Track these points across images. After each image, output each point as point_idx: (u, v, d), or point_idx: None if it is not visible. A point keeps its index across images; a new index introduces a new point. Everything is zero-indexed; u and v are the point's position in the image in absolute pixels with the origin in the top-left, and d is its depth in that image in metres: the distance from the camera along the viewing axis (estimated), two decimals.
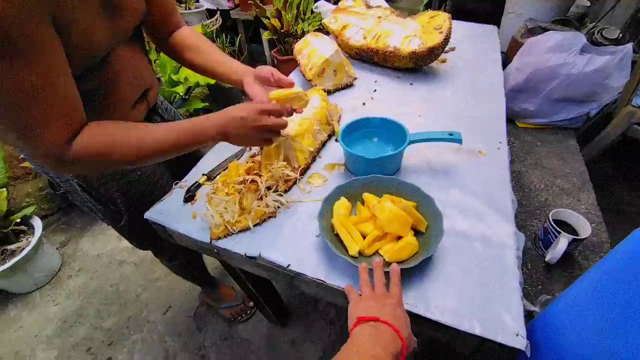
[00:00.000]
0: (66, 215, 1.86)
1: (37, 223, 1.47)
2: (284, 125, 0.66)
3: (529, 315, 0.68)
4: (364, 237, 0.62)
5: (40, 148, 0.50)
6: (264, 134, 0.64)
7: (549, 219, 0.77)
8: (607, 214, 0.90)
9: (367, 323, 0.43)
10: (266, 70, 0.74)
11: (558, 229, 0.74)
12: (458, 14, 3.10)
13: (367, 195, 0.68)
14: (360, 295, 0.50)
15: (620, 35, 1.65)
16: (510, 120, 1.32)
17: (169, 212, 0.73)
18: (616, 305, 0.37)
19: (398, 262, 0.56)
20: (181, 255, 1.02)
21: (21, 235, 1.45)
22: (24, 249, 1.37)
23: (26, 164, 1.55)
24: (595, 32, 1.69)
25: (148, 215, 0.73)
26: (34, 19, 0.42)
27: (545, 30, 1.30)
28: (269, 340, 1.24)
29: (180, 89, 1.74)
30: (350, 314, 0.47)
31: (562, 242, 0.72)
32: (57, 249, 1.65)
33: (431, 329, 0.53)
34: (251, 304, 1.33)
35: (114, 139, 0.55)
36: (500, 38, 1.41)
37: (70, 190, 0.78)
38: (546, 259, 0.76)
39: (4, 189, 1.36)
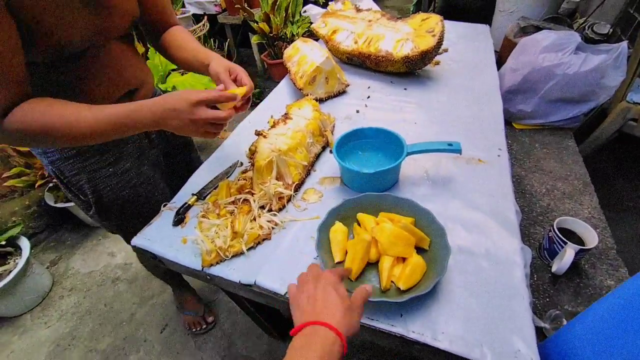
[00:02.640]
0: (56, 232, 1.80)
1: (25, 243, 1.41)
2: (223, 118, 0.62)
3: (538, 331, 0.66)
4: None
5: None
6: (204, 127, 0.62)
7: (553, 228, 0.75)
8: (609, 211, 0.88)
9: (303, 330, 0.40)
10: (212, 71, 0.72)
11: (564, 239, 0.72)
12: (449, 10, 3.09)
13: (362, 216, 0.64)
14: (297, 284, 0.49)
15: (611, 30, 1.64)
16: (507, 121, 1.30)
17: (158, 237, 0.69)
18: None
19: (412, 288, 0.53)
20: None
21: (8, 257, 1.39)
22: (11, 271, 1.32)
23: (10, 182, 1.50)
24: (586, 27, 1.68)
25: (135, 241, 0.69)
26: None
27: (538, 28, 1.28)
28: (270, 356, 1.21)
29: None
30: (292, 311, 0.45)
31: (569, 253, 0.69)
32: (47, 268, 1.60)
33: (440, 356, 0.50)
34: (210, 319, 1.32)
35: (49, 115, 0.55)
36: (492, 37, 1.39)
37: (52, 175, 0.81)
38: (552, 270, 0.74)
39: None
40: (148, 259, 0.92)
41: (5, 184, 1.52)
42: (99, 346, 1.31)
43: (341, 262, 0.59)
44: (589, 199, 0.93)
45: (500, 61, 1.36)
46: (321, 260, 0.57)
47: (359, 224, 0.64)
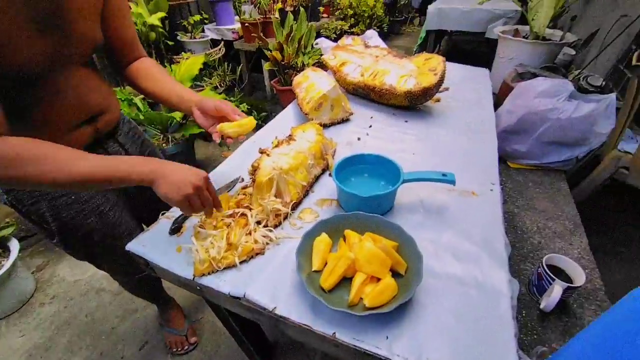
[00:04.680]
0: None
1: (14, 245, 1.40)
2: (208, 204, 0.64)
3: None
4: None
5: None
6: (194, 194, 0.60)
7: (542, 265, 0.76)
8: (603, 256, 0.89)
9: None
10: (210, 105, 0.74)
11: (552, 275, 0.73)
12: (454, 53, 3.28)
13: (349, 233, 0.66)
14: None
15: (604, 83, 1.73)
16: (503, 160, 1.34)
17: (153, 243, 0.70)
18: None
19: (377, 307, 0.54)
20: (122, 275, 1.01)
21: None
22: None
23: None
24: (581, 78, 1.78)
25: (130, 246, 0.69)
26: None
27: (535, 75, 1.36)
28: None
29: (178, 114, 1.75)
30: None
31: (556, 290, 0.70)
32: (32, 273, 1.57)
33: None
34: (193, 339, 1.27)
35: (29, 154, 0.52)
36: (492, 80, 1.46)
37: (7, 205, 0.76)
38: (541, 307, 0.74)
39: None
40: (134, 270, 0.93)
41: None
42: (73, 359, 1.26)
43: (319, 272, 0.60)
44: (579, 239, 0.94)
45: (498, 103, 1.42)
46: (297, 264, 0.58)
47: (345, 240, 0.66)
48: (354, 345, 0.51)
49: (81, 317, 1.39)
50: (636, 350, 0.36)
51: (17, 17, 0.54)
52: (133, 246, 0.69)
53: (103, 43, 0.73)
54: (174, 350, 1.24)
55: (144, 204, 0.97)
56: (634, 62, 1.16)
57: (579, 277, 0.73)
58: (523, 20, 2.07)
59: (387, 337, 0.52)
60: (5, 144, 0.51)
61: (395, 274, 0.60)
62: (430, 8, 2.61)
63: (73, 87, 0.68)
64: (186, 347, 1.25)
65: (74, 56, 0.66)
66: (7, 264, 1.32)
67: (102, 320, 1.38)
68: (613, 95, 1.10)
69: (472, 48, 3.28)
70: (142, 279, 1.05)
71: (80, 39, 0.65)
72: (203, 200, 0.62)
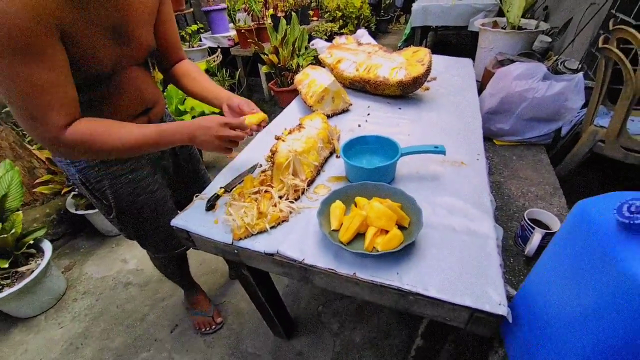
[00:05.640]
0: (71, 240, 1.90)
1: (47, 246, 1.51)
2: (241, 138, 0.81)
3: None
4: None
5: (44, 128, 0.63)
6: (223, 142, 0.78)
7: (524, 218, 0.89)
8: None
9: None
10: (235, 103, 0.90)
11: (533, 225, 0.86)
12: (441, 45, 3.41)
13: (359, 199, 0.78)
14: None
15: (580, 66, 1.88)
16: (489, 138, 1.48)
17: (193, 219, 0.82)
18: (566, 265, 0.47)
19: (387, 251, 0.66)
20: (163, 250, 1.13)
21: (30, 259, 1.49)
22: (33, 271, 1.41)
23: (40, 188, 1.62)
24: (559, 63, 1.93)
25: (174, 222, 0.82)
26: (44, 30, 0.56)
27: (512, 61, 1.50)
28: (276, 354, 1.28)
29: (187, 118, 1.88)
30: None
31: (536, 237, 0.83)
32: (62, 272, 1.68)
33: (430, 307, 0.62)
34: (219, 319, 1.39)
35: (99, 130, 0.68)
36: (475, 69, 1.60)
37: (76, 184, 0.91)
38: (525, 253, 0.86)
39: (19, 211, 1.43)
40: (174, 246, 1.05)
41: (34, 190, 1.65)
42: (111, 344, 1.37)
43: (336, 231, 0.73)
44: (558, 200, 1.08)
45: (481, 89, 1.56)
46: (320, 223, 0.71)
47: (356, 206, 0.78)
48: (372, 281, 0.64)
49: (113, 308, 1.51)
50: (573, 248, 0.48)
51: (99, 32, 0.68)
52: (176, 222, 0.82)
53: (155, 46, 0.88)
54: (203, 330, 1.36)
55: (180, 183, 1.13)
56: (600, 45, 1.30)
57: (556, 225, 0.86)
58: (501, 12, 2.22)
59: (398, 273, 0.65)
60: (82, 125, 0.67)
61: (400, 227, 0.73)
62: (415, 6, 2.76)
63: (133, 84, 0.82)
64: (214, 326, 1.36)
65: (135, 58, 0.81)
66: (43, 263, 1.43)
67: (132, 310, 1.49)
68: (580, 74, 1.24)
69: (456, 41, 3.44)
70: (179, 257, 1.19)
71: (140, 44, 0.79)
72: (232, 137, 0.78)
